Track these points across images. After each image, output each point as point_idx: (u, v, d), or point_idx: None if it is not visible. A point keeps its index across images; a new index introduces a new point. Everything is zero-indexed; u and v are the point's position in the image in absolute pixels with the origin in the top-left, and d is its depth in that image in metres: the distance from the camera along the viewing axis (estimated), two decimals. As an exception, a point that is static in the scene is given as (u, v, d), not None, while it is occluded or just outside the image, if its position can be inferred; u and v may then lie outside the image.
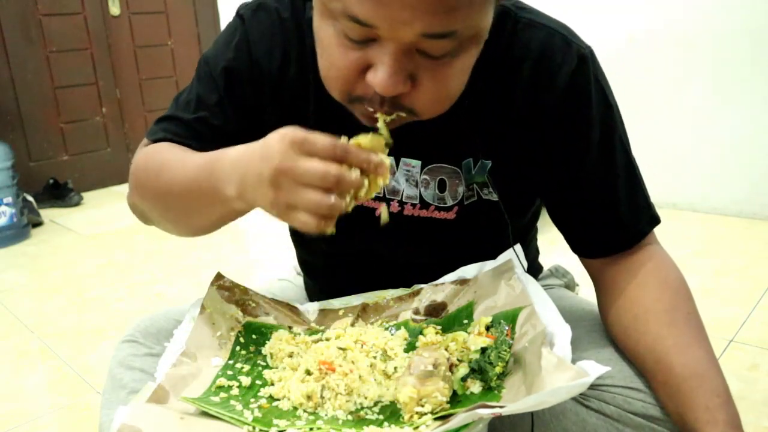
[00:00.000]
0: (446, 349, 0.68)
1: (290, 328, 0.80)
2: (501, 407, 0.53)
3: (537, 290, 0.71)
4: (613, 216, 0.76)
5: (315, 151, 0.56)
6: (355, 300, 0.84)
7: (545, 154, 0.76)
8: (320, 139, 0.56)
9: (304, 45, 0.76)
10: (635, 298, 0.72)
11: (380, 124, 0.63)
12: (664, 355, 0.66)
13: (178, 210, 0.74)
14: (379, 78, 0.58)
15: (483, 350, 0.65)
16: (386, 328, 0.78)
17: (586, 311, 0.85)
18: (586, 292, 0.96)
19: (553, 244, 1.01)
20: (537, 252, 1.01)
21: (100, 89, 3.57)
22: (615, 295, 0.75)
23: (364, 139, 0.60)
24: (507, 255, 0.78)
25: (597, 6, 2.63)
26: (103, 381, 0.77)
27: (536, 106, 0.74)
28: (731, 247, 2.22)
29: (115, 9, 3.54)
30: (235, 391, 0.66)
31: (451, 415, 0.59)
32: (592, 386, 0.67)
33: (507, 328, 0.68)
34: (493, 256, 0.79)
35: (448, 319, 0.78)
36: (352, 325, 0.79)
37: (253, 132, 0.63)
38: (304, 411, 0.63)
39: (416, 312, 0.80)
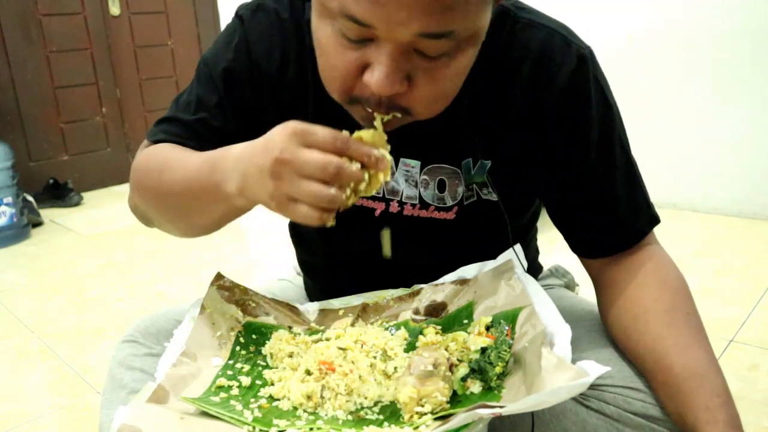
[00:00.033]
0: (446, 349, 0.68)
1: (290, 328, 0.80)
2: (501, 407, 0.53)
3: (537, 290, 0.71)
4: (612, 216, 0.76)
5: (316, 143, 0.56)
6: (355, 300, 0.84)
7: (545, 154, 0.76)
8: (321, 131, 0.57)
9: (303, 45, 0.76)
10: (635, 298, 0.72)
11: (377, 123, 0.62)
12: (663, 355, 0.66)
13: (179, 209, 0.74)
14: (375, 78, 0.58)
15: (483, 350, 0.65)
16: (386, 328, 0.78)
17: (586, 311, 0.85)
18: (586, 292, 0.96)
19: (553, 244, 1.01)
20: (537, 252, 1.01)
21: (100, 89, 3.57)
22: (615, 295, 0.74)
23: (365, 134, 0.60)
24: (507, 255, 0.78)
25: (597, 6, 2.63)
26: (103, 381, 0.77)
27: (536, 106, 0.74)
28: (732, 247, 2.22)
29: (115, 9, 3.54)
30: (235, 391, 0.66)
31: (451, 415, 0.59)
32: (592, 386, 0.67)
33: (507, 328, 0.68)
34: (493, 256, 0.79)
35: (448, 319, 0.78)
36: (352, 325, 0.79)
37: (253, 133, 0.63)
38: (304, 411, 0.63)
39: (416, 312, 0.80)
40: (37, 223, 2.97)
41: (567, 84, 0.72)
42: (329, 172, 0.56)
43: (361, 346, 0.72)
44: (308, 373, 0.67)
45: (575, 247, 0.80)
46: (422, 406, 0.60)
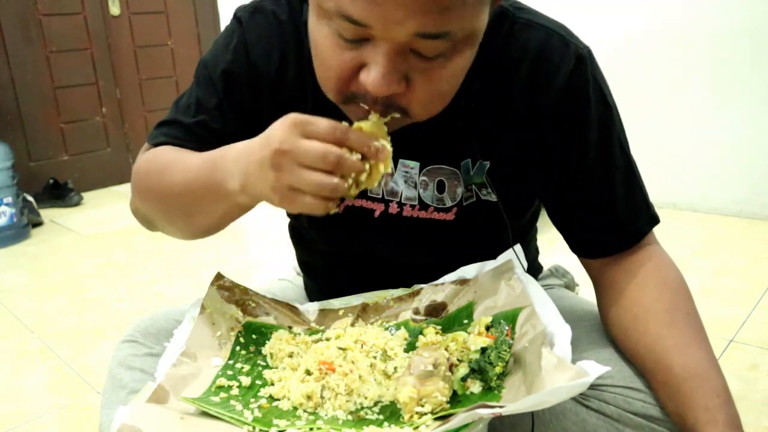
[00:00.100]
0: (446, 349, 0.68)
1: (290, 328, 0.80)
2: (501, 407, 0.53)
3: (537, 290, 0.71)
4: (612, 216, 0.76)
5: (316, 133, 0.57)
6: (355, 300, 0.84)
7: (544, 154, 0.76)
8: (321, 122, 0.57)
9: (301, 47, 0.76)
10: (635, 298, 0.72)
11: (373, 119, 0.62)
12: (663, 355, 0.66)
13: (181, 210, 0.74)
14: (372, 78, 0.58)
15: (483, 350, 0.65)
16: (386, 328, 0.78)
17: (586, 311, 0.85)
18: (586, 292, 0.96)
19: (553, 244, 1.01)
20: (537, 252, 1.01)
21: (100, 89, 3.57)
22: (615, 295, 0.75)
23: (365, 125, 0.60)
24: (507, 255, 0.78)
25: (595, 6, 2.63)
26: (103, 381, 0.77)
27: (534, 106, 0.74)
28: (731, 247, 2.22)
29: (115, 9, 3.54)
30: (235, 391, 0.66)
31: (451, 415, 0.59)
32: (592, 386, 0.68)
33: (507, 328, 0.68)
34: (493, 257, 0.79)
35: (448, 319, 0.78)
36: (352, 325, 0.79)
37: (253, 134, 0.63)
38: (304, 411, 0.63)
39: (416, 312, 0.80)
40: (37, 223, 2.97)
41: (565, 84, 0.72)
42: (330, 162, 0.56)
43: (361, 346, 0.72)
44: (308, 373, 0.67)
45: (575, 248, 0.80)
46: (422, 406, 0.60)
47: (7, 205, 2.71)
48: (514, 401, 0.55)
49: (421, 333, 0.74)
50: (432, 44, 0.57)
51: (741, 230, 2.38)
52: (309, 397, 0.64)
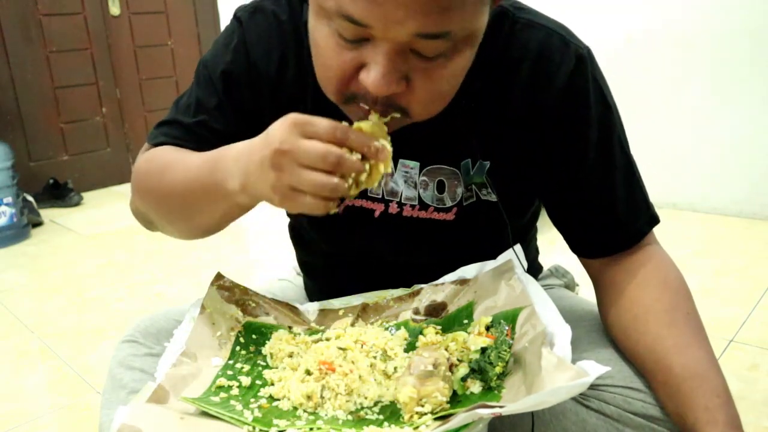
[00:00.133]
0: (446, 349, 0.68)
1: (290, 328, 0.80)
2: (501, 407, 0.53)
3: (537, 290, 0.71)
4: (612, 216, 0.76)
5: (316, 133, 0.57)
6: (355, 300, 0.84)
7: (544, 154, 0.76)
8: (321, 122, 0.57)
9: (301, 47, 0.76)
10: (635, 298, 0.72)
11: (373, 119, 0.62)
12: (663, 355, 0.66)
13: (181, 210, 0.74)
14: (371, 77, 0.58)
15: (483, 350, 0.65)
16: (386, 328, 0.78)
17: (586, 311, 0.85)
18: (586, 292, 0.96)
19: (553, 244, 1.01)
20: (537, 252, 1.01)
21: (100, 89, 3.57)
22: (615, 295, 0.75)
23: (365, 125, 0.60)
24: (507, 255, 0.78)
25: (595, 6, 2.63)
26: (103, 381, 0.77)
27: (534, 106, 0.74)
28: (731, 247, 2.22)
29: (115, 9, 3.54)
30: (235, 391, 0.66)
31: (451, 415, 0.59)
32: (592, 386, 0.68)
33: (507, 328, 0.68)
34: (493, 257, 0.79)
35: (448, 319, 0.78)
36: (352, 325, 0.79)
37: (253, 135, 0.63)
38: (304, 411, 0.63)
39: (416, 312, 0.80)
40: (37, 223, 2.97)
41: (565, 84, 0.72)
42: (330, 162, 0.56)
43: (361, 346, 0.72)
44: (308, 373, 0.67)
45: (575, 248, 0.80)
46: (422, 406, 0.60)
47: (7, 205, 2.71)
48: (514, 401, 0.55)
49: (421, 333, 0.74)
50: (432, 44, 0.57)
51: (741, 230, 2.38)
52: (309, 397, 0.64)
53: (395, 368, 0.69)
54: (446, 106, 0.66)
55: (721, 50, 2.41)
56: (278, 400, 0.65)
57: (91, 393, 1.52)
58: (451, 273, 0.81)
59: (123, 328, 1.03)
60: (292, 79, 0.78)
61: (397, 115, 0.63)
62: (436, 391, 0.60)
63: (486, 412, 0.53)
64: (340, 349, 0.70)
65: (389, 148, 0.60)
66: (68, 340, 1.81)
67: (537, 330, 0.64)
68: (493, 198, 0.78)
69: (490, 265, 0.79)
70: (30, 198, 3.02)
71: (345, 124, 0.58)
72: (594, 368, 0.54)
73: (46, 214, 3.13)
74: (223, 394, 0.65)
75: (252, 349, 0.74)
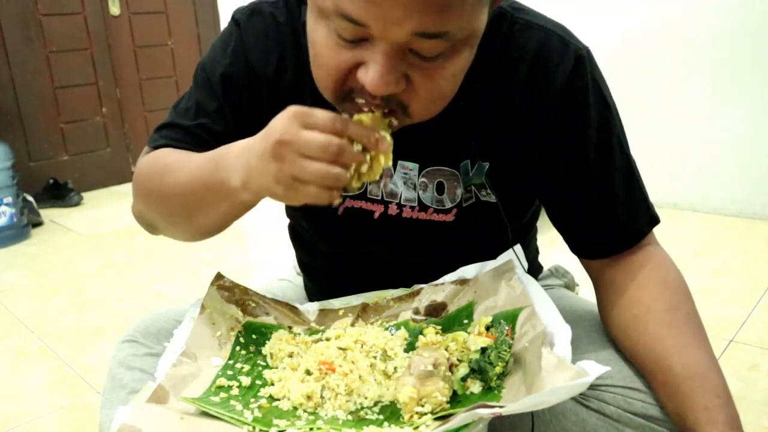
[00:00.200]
0: (446, 349, 0.68)
1: (290, 328, 0.80)
2: (501, 407, 0.53)
3: (537, 290, 0.71)
4: (611, 217, 0.76)
5: (316, 124, 0.57)
6: (355, 300, 0.84)
7: (543, 155, 0.76)
8: (321, 113, 0.57)
9: (300, 49, 0.76)
10: (635, 298, 0.72)
11: (377, 112, 0.63)
12: (663, 355, 0.66)
13: (183, 211, 0.74)
14: (370, 77, 0.58)
15: (483, 350, 0.65)
16: (386, 328, 0.78)
17: (586, 311, 0.85)
18: (586, 292, 0.96)
19: (553, 244, 1.01)
20: (537, 252, 1.01)
21: (100, 89, 3.57)
22: (615, 295, 0.75)
23: (365, 117, 0.61)
24: (507, 255, 0.78)
25: (594, 6, 2.63)
26: (103, 381, 0.77)
27: (533, 107, 0.74)
28: (731, 247, 2.22)
29: (115, 9, 3.54)
30: (235, 391, 0.66)
31: (451, 415, 0.59)
32: (592, 386, 0.68)
33: (507, 328, 0.68)
34: (493, 257, 0.79)
35: (448, 319, 0.78)
36: (352, 325, 0.79)
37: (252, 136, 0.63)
38: (304, 411, 0.63)
39: (416, 312, 0.80)
40: (37, 223, 2.97)
41: (564, 84, 0.72)
42: (331, 152, 0.56)
43: (361, 346, 0.72)
44: (308, 373, 0.67)
45: (575, 248, 0.80)
46: (422, 406, 0.60)
47: (7, 205, 2.72)
48: (514, 401, 0.55)
49: (421, 333, 0.74)
50: (431, 44, 0.57)
51: (741, 230, 2.38)
52: (309, 397, 0.64)
53: (395, 368, 0.69)
54: (445, 107, 0.66)
55: (721, 50, 2.41)
56: (278, 400, 0.65)
57: (91, 393, 1.52)
58: (451, 273, 0.81)
59: (123, 328, 1.03)
60: (290, 81, 0.78)
61: (395, 122, 0.63)
62: (436, 391, 0.60)
63: (486, 412, 0.54)
64: (340, 349, 0.70)
65: (390, 140, 0.60)
66: (68, 340, 1.81)
67: (537, 330, 0.64)
68: (493, 199, 0.78)
69: (490, 265, 0.79)
70: (30, 198, 3.02)
71: (345, 115, 0.59)
72: (594, 368, 0.54)
73: (46, 214, 3.13)
74: (223, 394, 0.65)
75: (252, 349, 0.74)
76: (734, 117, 2.44)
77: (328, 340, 0.74)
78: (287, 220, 0.96)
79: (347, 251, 0.87)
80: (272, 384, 0.67)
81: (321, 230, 0.86)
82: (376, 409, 0.64)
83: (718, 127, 2.48)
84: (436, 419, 0.59)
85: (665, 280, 0.73)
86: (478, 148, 0.76)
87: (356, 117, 0.61)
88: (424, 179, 0.79)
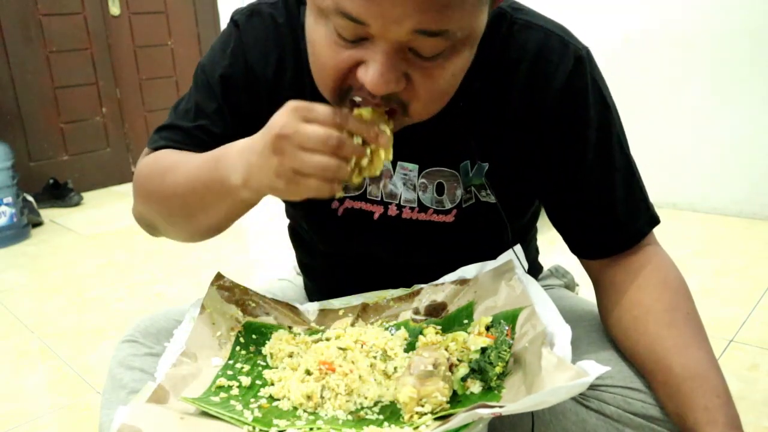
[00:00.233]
0: (446, 349, 0.68)
1: (290, 328, 0.80)
2: (501, 407, 0.53)
3: (537, 290, 0.71)
4: (611, 217, 0.75)
5: (316, 118, 0.58)
6: (355, 300, 0.84)
7: (542, 155, 0.76)
8: (321, 107, 0.58)
9: (299, 49, 0.76)
10: (635, 298, 0.72)
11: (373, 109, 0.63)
12: (663, 355, 0.66)
13: (184, 211, 0.74)
14: (370, 76, 0.58)
15: (483, 350, 0.65)
16: (386, 328, 0.78)
17: (586, 311, 0.85)
18: (586, 292, 0.96)
19: (553, 244, 1.01)
20: (537, 252, 1.01)
21: (100, 89, 3.57)
22: (615, 296, 0.74)
23: (365, 111, 0.61)
24: (507, 255, 0.78)
25: (594, 6, 2.63)
26: (103, 381, 0.77)
27: (533, 107, 0.74)
28: (731, 247, 2.22)
29: (115, 9, 3.54)
30: (235, 391, 0.67)
31: (451, 415, 0.59)
32: (592, 386, 0.68)
33: (507, 328, 0.68)
34: (493, 258, 0.79)
35: (448, 319, 0.78)
36: (352, 325, 0.79)
37: None
38: (304, 411, 0.63)
39: (416, 312, 0.80)
40: (37, 223, 2.97)
41: (564, 84, 0.72)
42: (331, 145, 0.57)
43: (361, 346, 0.72)
44: (308, 373, 0.67)
45: (575, 249, 0.80)
46: (422, 406, 0.60)
47: (7, 205, 2.72)
48: (514, 401, 0.55)
49: (421, 333, 0.74)
50: (431, 42, 0.57)
51: (741, 230, 2.38)
52: (309, 397, 0.64)
53: (395, 368, 0.69)
54: (445, 107, 0.66)
55: (720, 50, 2.41)
56: (278, 400, 0.65)
57: (91, 393, 1.52)
58: (451, 273, 0.81)
59: (123, 328, 1.03)
60: (289, 82, 0.78)
61: (392, 124, 0.63)
62: (436, 391, 0.60)
63: (486, 412, 0.54)
64: (340, 349, 0.70)
65: (389, 134, 0.60)
66: (68, 340, 1.81)
67: (537, 330, 0.64)
68: (493, 200, 0.78)
69: (490, 265, 0.79)
70: (30, 198, 3.02)
71: (345, 109, 0.59)
72: (594, 368, 0.54)
73: (46, 214, 3.13)
74: (223, 394, 0.65)
75: (252, 349, 0.74)
76: (734, 117, 2.44)
77: (328, 340, 0.74)
78: (287, 220, 0.96)
79: (347, 252, 0.87)
80: (272, 384, 0.67)
81: (321, 231, 0.86)
82: (376, 409, 0.64)
83: (718, 127, 2.48)
84: (436, 419, 0.59)
85: (665, 281, 0.73)
86: (478, 148, 0.76)
87: (356, 111, 0.61)
88: (423, 180, 0.79)
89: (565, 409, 0.69)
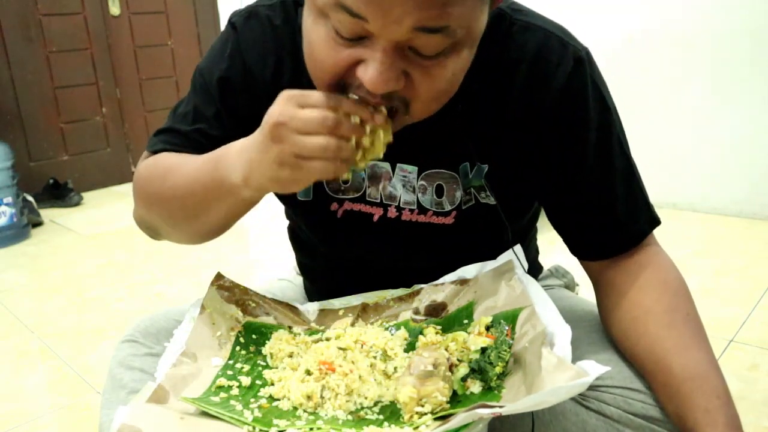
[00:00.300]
0: (446, 349, 0.68)
1: (290, 328, 0.80)
2: (501, 407, 0.53)
3: (537, 291, 0.71)
4: (611, 218, 0.75)
5: (310, 102, 0.58)
6: (355, 300, 0.84)
7: (542, 156, 0.76)
8: (315, 93, 0.59)
9: (297, 51, 0.76)
10: (635, 299, 0.72)
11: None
12: (663, 356, 0.66)
13: (185, 213, 0.74)
14: (369, 74, 0.58)
15: (483, 350, 0.65)
16: (386, 328, 0.78)
17: (586, 311, 0.85)
18: (586, 292, 0.96)
19: (552, 244, 1.01)
20: (537, 252, 1.01)
21: (100, 89, 3.57)
22: (615, 297, 0.74)
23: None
24: (507, 255, 0.78)
25: (594, 6, 2.63)
26: (103, 381, 0.77)
27: (532, 108, 0.73)
28: (731, 247, 2.22)
29: (115, 9, 3.54)
30: (235, 391, 0.67)
31: (451, 415, 0.59)
32: (592, 387, 0.68)
33: (507, 328, 0.68)
34: (492, 259, 0.79)
35: (448, 319, 0.78)
36: (352, 325, 0.79)
37: None
38: (304, 411, 0.63)
39: (416, 312, 0.80)
40: (37, 223, 2.97)
41: (564, 85, 0.72)
42: (328, 125, 0.57)
43: (361, 346, 0.72)
44: (308, 373, 0.67)
45: (574, 250, 0.80)
46: (422, 406, 0.60)
47: (7, 205, 2.71)
48: (514, 401, 0.56)
49: (421, 333, 0.74)
50: (431, 40, 0.57)
51: (741, 230, 2.38)
52: (309, 397, 0.64)
53: (395, 368, 0.69)
54: (444, 109, 0.66)
55: (721, 50, 2.41)
56: (278, 400, 0.65)
57: (91, 393, 1.52)
58: (451, 273, 0.81)
59: (123, 328, 1.03)
60: (288, 84, 0.77)
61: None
62: (436, 391, 0.60)
63: (486, 412, 0.54)
64: (340, 349, 0.70)
65: (385, 112, 0.60)
66: (68, 340, 1.81)
67: (537, 330, 0.64)
68: (492, 201, 0.78)
69: (490, 265, 0.79)
70: (30, 198, 3.02)
71: (338, 94, 0.60)
72: (594, 368, 0.54)
73: (46, 214, 3.13)
74: (223, 394, 0.65)
75: (252, 349, 0.74)
76: (734, 117, 2.44)
77: (328, 340, 0.74)
78: (287, 221, 0.96)
79: (346, 254, 0.87)
80: (272, 384, 0.67)
81: (320, 233, 0.86)
82: (376, 409, 0.64)
83: (718, 127, 2.48)
84: (436, 419, 0.59)
85: (665, 282, 0.73)
86: (477, 150, 0.76)
87: (350, 96, 0.61)
88: (423, 182, 0.79)
89: (565, 409, 0.69)
